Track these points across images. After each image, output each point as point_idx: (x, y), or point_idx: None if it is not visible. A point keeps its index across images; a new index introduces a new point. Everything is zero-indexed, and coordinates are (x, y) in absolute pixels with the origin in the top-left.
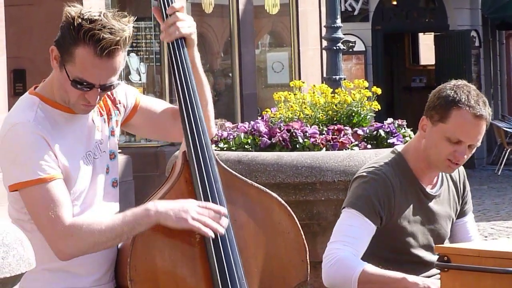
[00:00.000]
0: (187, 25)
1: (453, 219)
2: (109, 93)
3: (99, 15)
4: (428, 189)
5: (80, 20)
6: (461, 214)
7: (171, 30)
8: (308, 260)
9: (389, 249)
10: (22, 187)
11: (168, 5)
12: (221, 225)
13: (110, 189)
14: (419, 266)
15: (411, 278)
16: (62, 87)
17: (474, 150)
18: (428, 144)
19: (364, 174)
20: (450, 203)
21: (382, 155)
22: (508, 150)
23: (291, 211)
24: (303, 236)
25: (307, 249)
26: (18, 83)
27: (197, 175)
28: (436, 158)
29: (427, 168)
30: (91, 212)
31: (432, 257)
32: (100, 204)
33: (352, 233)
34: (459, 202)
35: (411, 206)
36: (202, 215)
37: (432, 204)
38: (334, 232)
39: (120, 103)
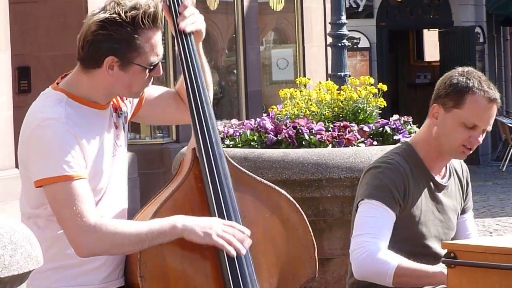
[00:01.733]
0: (202, 19)
1: (458, 214)
2: None
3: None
4: (438, 179)
5: (123, 13)
6: (463, 211)
7: (191, 20)
8: (316, 257)
9: (402, 239)
10: (48, 182)
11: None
12: (244, 245)
13: (124, 183)
14: (431, 258)
15: None
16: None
17: (484, 136)
18: (441, 131)
19: (377, 165)
20: (456, 198)
21: (391, 148)
22: None
23: (299, 207)
24: (311, 233)
25: (316, 247)
26: (23, 80)
27: (207, 171)
28: (450, 144)
29: (437, 157)
30: (112, 208)
31: (442, 250)
32: (119, 200)
33: (376, 224)
34: (463, 198)
35: (423, 195)
36: (226, 233)
37: (441, 195)
38: (358, 225)
39: (126, 99)
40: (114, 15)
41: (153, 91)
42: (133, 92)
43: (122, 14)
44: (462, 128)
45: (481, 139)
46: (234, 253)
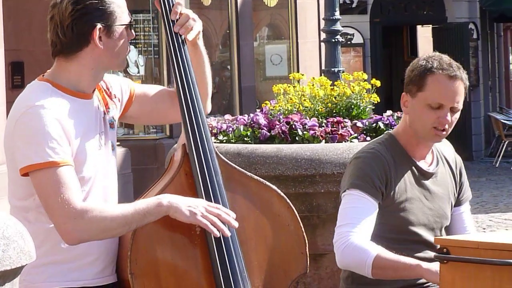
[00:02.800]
0: (199, 23)
1: (452, 204)
2: (105, 87)
3: None
4: (423, 166)
5: None
6: (458, 202)
7: (189, 24)
8: (307, 252)
9: (388, 227)
10: (34, 169)
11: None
12: (231, 225)
13: (113, 179)
14: (420, 246)
15: (426, 265)
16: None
17: (457, 116)
18: (412, 118)
19: (358, 155)
20: (448, 187)
21: (372, 140)
22: (506, 142)
23: (290, 203)
24: (303, 229)
25: (307, 241)
26: (16, 75)
27: (197, 168)
28: (422, 128)
29: (417, 144)
30: (99, 197)
31: (433, 238)
32: (107, 192)
33: (358, 214)
34: (456, 188)
35: (407, 182)
36: (211, 213)
37: (429, 183)
38: (341, 216)
39: (115, 97)
40: None
41: (144, 88)
42: (120, 60)
43: None
44: (429, 109)
45: (450, 118)
46: (217, 233)
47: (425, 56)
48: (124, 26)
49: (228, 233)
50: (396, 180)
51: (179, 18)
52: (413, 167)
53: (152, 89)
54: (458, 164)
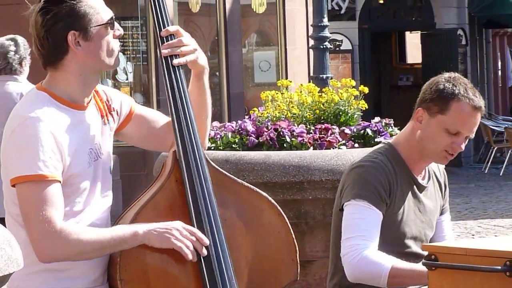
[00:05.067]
0: (191, 48)
1: (438, 215)
2: (105, 99)
3: None
4: (419, 179)
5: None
6: (441, 212)
7: (178, 49)
8: (298, 260)
9: (387, 239)
10: (21, 180)
11: (163, 27)
12: (201, 251)
13: (108, 189)
14: (412, 257)
15: None
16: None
17: (466, 142)
18: (424, 136)
19: (361, 164)
20: (436, 199)
21: (373, 148)
22: (495, 149)
23: (281, 210)
24: (293, 236)
25: (298, 249)
26: None
27: (186, 175)
28: (433, 149)
29: (419, 159)
30: (90, 211)
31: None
32: (100, 203)
33: (366, 226)
34: (442, 199)
35: (405, 194)
36: (185, 237)
37: (422, 196)
38: (347, 227)
39: (114, 110)
40: None
41: (145, 111)
42: (108, 60)
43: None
44: (446, 134)
45: (463, 146)
46: (190, 257)
47: (449, 77)
48: (102, 26)
49: (205, 253)
50: (397, 191)
51: (171, 39)
52: (411, 180)
53: (152, 114)
54: (443, 176)
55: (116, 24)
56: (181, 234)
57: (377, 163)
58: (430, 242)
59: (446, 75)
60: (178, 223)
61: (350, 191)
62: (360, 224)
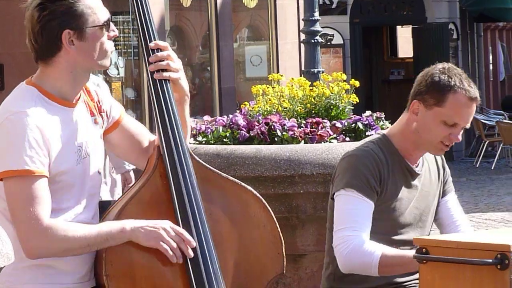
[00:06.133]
0: (177, 67)
1: (438, 197)
2: (96, 100)
3: None
4: (413, 167)
5: None
6: (443, 193)
7: (163, 63)
8: (284, 253)
9: (378, 227)
10: (8, 175)
11: (151, 40)
12: (187, 253)
13: (98, 188)
14: (407, 246)
15: None
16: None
17: (459, 139)
18: (421, 128)
19: (352, 153)
20: (432, 184)
21: (367, 138)
22: (486, 143)
23: (266, 204)
24: (279, 229)
25: (283, 241)
26: None
27: (170, 169)
28: (430, 140)
29: (413, 149)
30: (78, 208)
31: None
32: (88, 202)
33: (357, 216)
34: (439, 183)
35: (398, 183)
36: (172, 238)
37: (416, 183)
38: (339, 218)
39: (104, 112)
40: None
41: (132, 123)
42: (100, 61)
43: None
44: (443, 125)
45: (460, 136)
46: (175, 260)
47: (443, 68)
48: (98, 27)
49: (191, 254)
50: (388, 180)
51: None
52: (405, 168)
53: (138, 130)
54: (439, 160)
55: (112, 25)
56: (168, 235)
57: (368, 151)
58: (438, 224)
59: (440, 66)
60: (166, 222)
61: (340, 180)
62: (351, 215)
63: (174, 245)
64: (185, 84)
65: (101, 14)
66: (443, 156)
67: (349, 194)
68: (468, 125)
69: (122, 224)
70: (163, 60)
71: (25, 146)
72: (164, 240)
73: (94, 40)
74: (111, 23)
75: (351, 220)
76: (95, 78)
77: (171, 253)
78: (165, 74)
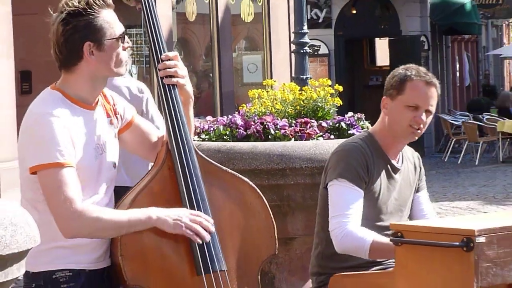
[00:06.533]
0: (184, 74)
1: (413, 193)
2: (112, 103)
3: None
4: (394, 162)
5: (77, 3)
6: (417, 190)
7: (171, 70)
8: (276, 236)
9: (363, 213)
10: (42, 168)
11: (161, 52)
12: (209, 231)
13: (112, 180)
14: (387, 231)
15: None
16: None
17: (430, 119)
18: (391, 118)
19: (342, 148)
20: (410, 179)
21: (353, 136)
22: (454, 140)
23: (261, 194)
24: (272, 216)
25: (275, 226)
26: (25, 82)
27: (178, 163)
28: (400, 127)
29: (393, 142)
30: (96, 198)
31: None
32: (106, 192)
33: (349, 204)
34: (416, 180)
35: (381, 175)
36: (194, 222)
37: (397, 177)
38: (333, 206)
39: (118, 114)
40: (71, 9)
41: (143, 122)
42: (117, 67)
43: (77, 4)
44: (407, 110)
45: (425, 118)
46: (200, 241)
47: (405, 66)
48: (114, 39)
49: (207, 239)
50: (374, 172)
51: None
52: (387, 162)
53: (148, 128)
54: (417, 160)
55: (126, 37)
56: (191, 221)
57: (357, 146)
58: (410, 216)
59: (401, 67)
60: (185, 210)
61: (333, 171)
62: (343, 202)
63: (198, 228)
64: (190, 88)
65: (117, 28)
66: (420, 158)
67: (341, 184)
68: (431, 108)
69: (149, 212)
70: (172, 68)
71: (54, 143)
72: (188, 226)
73: (111, 50)
74: (125, 35)
75: (345, 207)
76: (139, 83)
77: (196, 237)
78: (174, 80)
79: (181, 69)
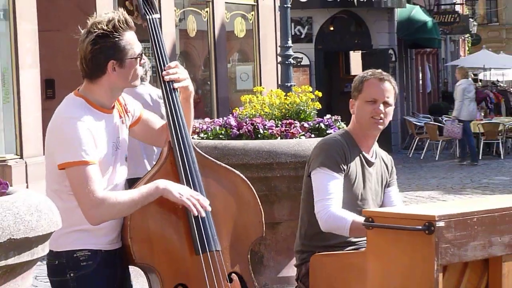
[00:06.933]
0: (185, 77)
1: (384, 186)
2: (123, 103)
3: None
4: (368, 156)
5: (105, 26)
6: (388, 185)
7: (174, 76)
8: (263, 221)
9: (343, 198)
10: (69, 166)
11: (165, 63)
12: (205, 209)
13: (124, 170)
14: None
15: None
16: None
17: (390, 110)
18: (357, 115)
19: (324, 141)
20: (382, 174)
21: (333, 133)
22: (417, 139)
23: (251, 184)
24: (260, 203)
25: (263, 213)
26: (49, 89)
27: (179, 158)
28: (364, 120)
29: (363, 136)
30: (116, 186)
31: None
32: (121, 181)
33: (331, 189)
34: (388, 176)
35: (357, 166)
36: (193, 197)
37: (370, 169)
38: (318, 191)
39: (129, 112)
40: (99, 32)
41: (150, 116)
42: (133, 80)
43: (105, 27)
44: (367, 105)
45: (384, 109)
46: (196, 213)
47: (365, 71)
48: (134, 58)
49: (203, 214)
50: (351, 163)
51: (168, 66)
52: (361, 156)
53: (153, 119)
54: (389, 161)
55: (143, 55)
56: (191, 195)
57: (336, 140)
58: (382, 206)
59: (361, 72)
60: (186, 188)
61: (315, 161)
62: (326, 188)
63: (195, 202)
64: (191, 87)
65: (137, 47)
66: (393, 160)
67: (323, 171)
68: (388, 100)
69: (156, 183)
70: (174, 74)
71: (80, 143)
72: (188, 198)
73: (130, 67)
74: (142, 53)
75: (327, 192)
76: (158, 91)
77: (193, 208)
78: (178, 84)
79: (182, 73)
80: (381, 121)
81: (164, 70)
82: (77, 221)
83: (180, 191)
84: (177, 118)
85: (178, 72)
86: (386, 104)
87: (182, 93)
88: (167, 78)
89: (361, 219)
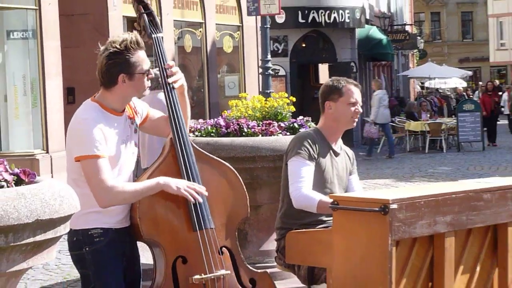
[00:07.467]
0: (180, 76)
1: (347, 174)
2: (133, 106)
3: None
4: (335, 148)
5: (118, 45)
6: (350, 173)
7: (175, 77)
8: (248, 204)
9: (314, 182)
10: (84, 158)
11: (165, 63)
12: (201, 195)
13: (132, 162)
14: None
15: None
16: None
17: (360, 110)
18: (338, 115)
19: (299, 135)
20: (346, 164)
21: (307, 129)
22: None
23: (238, 174)
24: (245, 189)
25: (248, 197)
26: (70, 95)
27: (179, 151)
28: (346, 119)
29: (333, 132)
30: (124, 175)
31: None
32: (128, 171)
33: (303, 174)
34: (350, 165)
35: (326, 155)
36: (190, 188)
37: (337, 159)
38: (292, 176)
39: (138, 113)
40: (114, 49)
41: (155, 113)
42: (141, 92)
43: (118, 46)
44: (349, 106)
45: (360, 109)
46: (193, 200)
47: (333, 79)
48: (142, 73)
49: (200, 200)
50: (320, 153)
51: (170, 71)
52: (330, 148)
53: (157, 115)
54: (351, 155)
55: (150, 70)
56: (187, 187)
57: (309, 134)
58: (346, 191)
59: (330, 79)
60: (183, 180)
61: (292, 151)
62: (299, 173)
63: (192, 192)
64: (185, 84)
65: (145, 64)
66: (354, 154)
67: (298, 159)
68: (361, 102)
69: (157, 179)
70: (174, 74)
71: (92, 140)
72: (185, 190)
73: (139, 80)
74: (150, 69)
75: (300, 176)
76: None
77: (190, 197)
78: (178, 83)
79: (178, 72)
80: (356, 119)
81: (167, 73)
82: (91, 204)
83: (178, 185)
84: (177, 119)
85: (176, 72)
86: (359, 104)
87: (178, 88)
88: (171, 80)
89: (326, 199)
